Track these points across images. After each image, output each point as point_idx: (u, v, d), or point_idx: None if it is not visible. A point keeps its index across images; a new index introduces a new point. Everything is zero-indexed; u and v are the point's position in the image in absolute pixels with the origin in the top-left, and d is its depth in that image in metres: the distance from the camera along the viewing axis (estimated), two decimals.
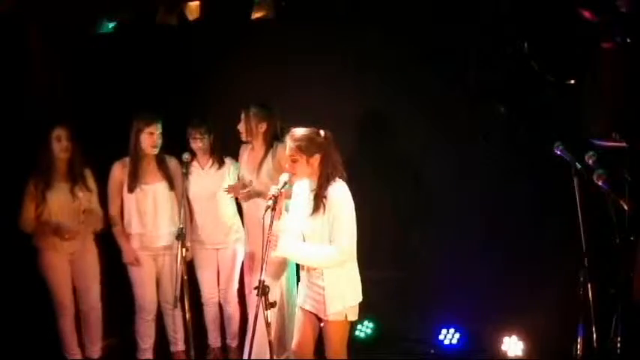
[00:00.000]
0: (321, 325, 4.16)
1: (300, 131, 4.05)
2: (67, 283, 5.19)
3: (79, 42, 5.98)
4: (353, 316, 4.11)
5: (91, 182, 5.24)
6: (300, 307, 4.21)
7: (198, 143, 5.24)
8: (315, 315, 4.15)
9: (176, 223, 5.08)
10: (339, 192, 4.00)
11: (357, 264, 4.16)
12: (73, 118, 5.36)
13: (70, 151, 5.13)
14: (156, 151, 5.14)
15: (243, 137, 5.12)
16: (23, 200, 5.09)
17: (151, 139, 5.09)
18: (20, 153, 5.42)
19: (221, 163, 5.31)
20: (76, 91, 6.05)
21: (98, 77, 6.04)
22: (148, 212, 5.17)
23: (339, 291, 4.05)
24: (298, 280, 4.44)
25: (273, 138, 5.07)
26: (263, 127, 5.05)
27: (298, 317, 4.24)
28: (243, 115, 5.08)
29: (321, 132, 4.07)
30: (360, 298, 4.14)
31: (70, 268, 5.20)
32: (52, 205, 5.08)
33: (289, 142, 4.04)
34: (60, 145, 5.09)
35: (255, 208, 4.99)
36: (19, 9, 5.52)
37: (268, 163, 5.05)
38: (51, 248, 5.13)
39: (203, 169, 5.31)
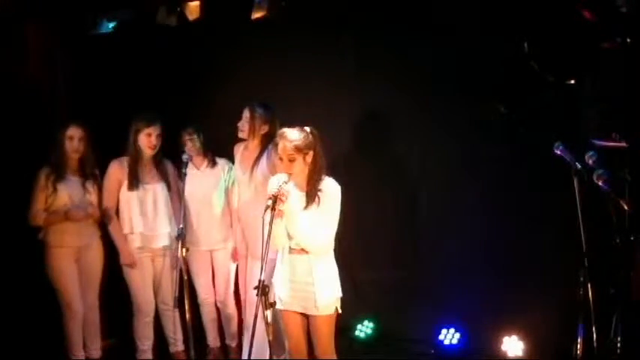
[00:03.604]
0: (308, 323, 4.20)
1: (293, 131, 4.10)
2: (75, 283, 5.17)
3: (79, 42, 5.98)
4: (339, 309, 4.18)
5: (98, 180, 5.25)
6: (285, 311, 4.20)
7: (189, 144, 5.25)
8: (302, 314, 4.17)
9: (173, 223, 5.11)
10: (334, 186, 4.13)
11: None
12: (72, 119, 5.36)
13: (82, 152, 5.14)
14: (153, 152, 5.14)
15: (244, 135, 5.10)
16: (33, 192, 5.08)
17: (148, 140, 5.10)
18: (19, 154, 5.42)
19: (214, 163, 5.31)
20: (76, 91, 6.05)
21: (98, 77, 6.04)
22: (149, 212, 5.17)
23: (328, 284, 4.12)
24: None
25: (270, 140, 5.07)
26: (265, 128, 5.04)
27: (286, 321, 4.23)
28: (248, 114, 5.05)
29: (308, 129, 4.13)
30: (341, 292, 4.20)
31: (77, 266, 5.19)
32: (62, 196, 5.08)
33: (285, 143, 4.07)
34: (71, 144, 5.10)
35: (250, 208, 4.99)
36: (19, 9, 5.52)
37: (262, 163, 5.04)
38: (58, 245, 5.12)
39: (199, 169, 5.32)
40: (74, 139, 5.10)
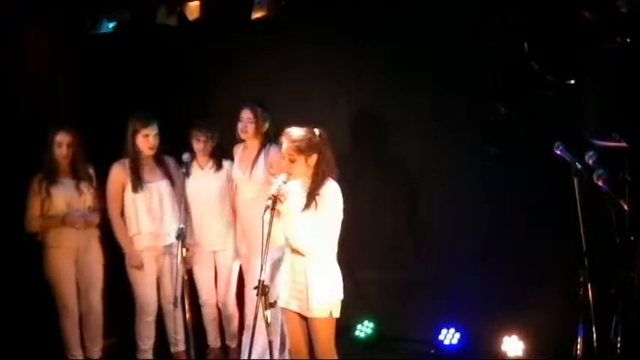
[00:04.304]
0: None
1: (297, 131, 4.07)
2: (72, 284, 5.18)
3: (79, 42, 5.98)
4: (337, 313, 4.12)
5: (94, 181, 5.24)
6: (285, 309, 4.20)
7: (201, 145, 5.22)
8: (300, 315, 4.15)
9: (177, 221, 5.08)
10: (332, 192, 4.05)
11: (336, 261, 4.15)
12: (73, 119, 5.36)
13: (71, 157, 5.13)
14: (152, 152, 5.13)
15: (248, 137, 5.10)
16: (28, 199, 5.09)
17: (146, 141, 5.09)
18: (20, 154, 5.42)
19: (220, 166, 5.29)
20: (76, 91, 6.05)
21: (98, 77, 6.04)
22: (156, 211, 5.17)
23: (322, 287, 4.06)
24: None
25: (268, 138, 5.08)
26: (266, 126, 5.08)
27: (285, 319, 4.23)
28: (250, 115, 5.04)
29: (316, 131, 4.09)
30: (342, 295, 4.14)
31: (75, 267, 5.19)
32: (57, 201, 5.09)
33: (287, 143, 4.05)
34: (60, 150, 5.10)
35: (250, 208, 4.99)
36: (19, 9, 5.52)
37: (261, 162, 5.05)
38: (56, 245, 5.12)
39: (203, 169, 5.30)
40: (62, 145, 5.10)
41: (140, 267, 5.17)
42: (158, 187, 5.18)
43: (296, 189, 4.10)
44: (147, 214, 5.15)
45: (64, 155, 5.10)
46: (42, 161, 5.12)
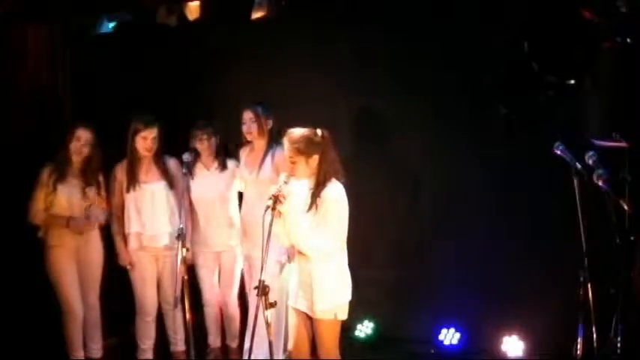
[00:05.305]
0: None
1: (297, 132, 4.04)
2: (75, 284, 5.18)
3: (79, 42, 5.99)
4: (343, 315, 4.09)
5: (103, 189, 5.23)
6: (293, 308, 4.19)
7: (205, 144, 5.21)
8: (307, 314, 4.13)
9: (176, 223, 5.07)
10: (334, 193, 4.00)
11: (346, 263, 4.13)
12: (72, 119, 5.37)
13: (85, 155, 5.12)
14: (149, 154, 5.14)
15: (253, 137, 5.09)
16: (34, 189, 5.08)
17: (144, 142, 5.09)
18: (20, 154, 5.43)
19: (224, 166, 5.29)
20: (76, 91, 6.06)
21: (98, 77, 6.05)
22: (146, 212, 5.17)
23: (328, 289, 4.03)
24: None
25: (273, 137, 5.08)
26: (269, 124, 5.08)
27: (291, 317, 4.22)
28: (251, 115, 5.05)
29: (319, 131, 4.07)
30: (349, 297, 4.11)
31: (76, 266, 5.20)
32: (60, 198, 5.08)
33: (287, 144, 4.03)
34: (76, 145, 5.09)
35: (256, 208, 4.98)
36: (19, 9, 5.53)
37: (268, 163, 5.05)
38: (58, 245, 5.12)
39: (209, 170, 5.30)
40: (80, 140, 5.09)
41: (129, 266, 5.20)
42: (153, 188, 5.18)
43: (300, 189, 4.09)
44: (135, 215, 5.17)
45: (78, 150, 5.09)
46: (56, 155, 5.11)
